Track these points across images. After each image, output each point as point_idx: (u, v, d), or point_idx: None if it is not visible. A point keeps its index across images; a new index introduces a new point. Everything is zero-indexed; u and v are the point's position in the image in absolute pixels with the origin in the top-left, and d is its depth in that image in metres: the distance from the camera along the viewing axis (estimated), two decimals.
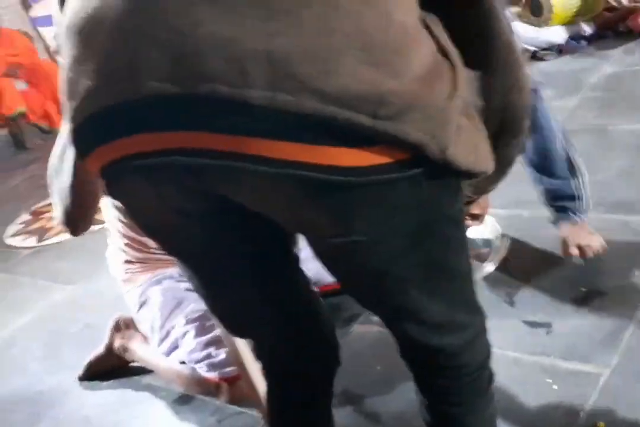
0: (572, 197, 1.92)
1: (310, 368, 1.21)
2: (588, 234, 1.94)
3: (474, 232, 1.70)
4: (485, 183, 1.02)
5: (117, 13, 0.73)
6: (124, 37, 0.73)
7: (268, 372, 1.26)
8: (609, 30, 3.99)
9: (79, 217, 1.21)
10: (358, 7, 0.72)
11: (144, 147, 0.76)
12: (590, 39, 3.96)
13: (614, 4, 4.04)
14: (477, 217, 1.25)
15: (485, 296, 1.96)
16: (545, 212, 1.99)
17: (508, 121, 0.93)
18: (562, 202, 1.94)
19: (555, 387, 1.59)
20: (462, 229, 0.99)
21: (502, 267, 2.03)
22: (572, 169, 1.91)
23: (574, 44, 3.91)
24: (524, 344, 1.74)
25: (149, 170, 0.80)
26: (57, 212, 1.21)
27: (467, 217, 1.28)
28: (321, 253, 0.94)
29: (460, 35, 0.82)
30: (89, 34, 0.76)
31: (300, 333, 1.15)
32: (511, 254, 2.12)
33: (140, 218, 0.96)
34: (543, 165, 1.91)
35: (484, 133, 0.87)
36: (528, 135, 1.01)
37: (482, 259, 1.60)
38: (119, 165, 0.80)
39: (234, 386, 1.73)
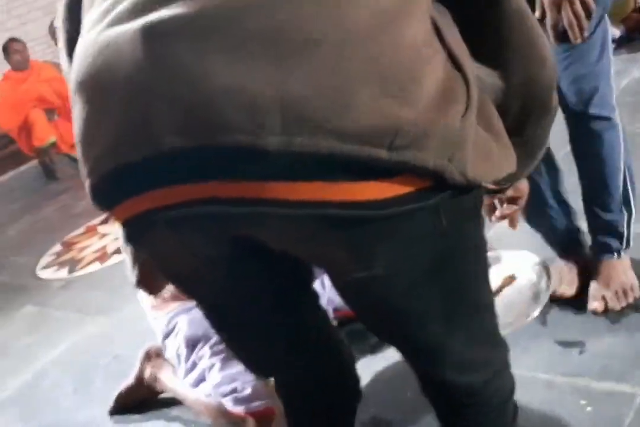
0: (619, 236, 1.80)
1: (332, 403, 1.19)
2: (623, 274, 1.81)
3: (518, 271, 1.63)
4: (516, 172, 0.95)
5: (128, 68, 0.73)
6: (136, 93, 0.73)
7: (289, 408, 1.24)
8: (638, 32, 3.91)
9: (149, 279, 1.24)
10: (369, 35, 0.71)
11: (167, 200, 0.76)
12: (619, 42, 3.88)
13: None
14: (515, 201, 1.20)
15: None
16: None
17: (531, 99, 0.89)
18: (606, 239, 1.81)
19: (589, 409, 1.53)
20: (483, 259, 0.95)
21: None
22: (627, 203, 1.79)
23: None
24: (556, 365, 1.69)
25: (173, 221, 0.80)
26: (131, 275, 1.25)
27: (504, 201, 1.22)
28: (342, 288, 0.92)
29: (469, 9, 0.81)
30: (103, 90, 0.76)
31: (322, 369, 1.13)
32: None
33: (164, 267, 0.96)
34: (597, 198, 1.79)
35: (498, 130, 0.84)
36: (555, 113, 0.97)
37: (526, 304, 1.51)
38: (143, 218, 0.80)
39: (260, 420, 1.72)
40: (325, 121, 0.69)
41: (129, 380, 1.99)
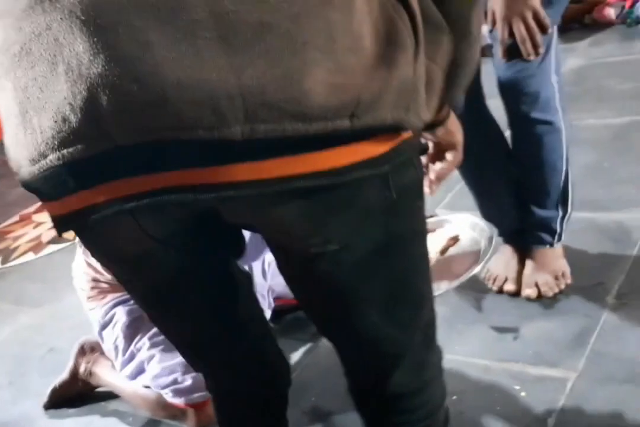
0: (552, 232, 1.84)
1: (262, 392, 1.17)
2: (554, 261, 1.86)
3: (462, 232, 1.62)
4: (448, 91, 0.93)
5: (69, 56, 0.69)
6: (81, 87, 0.68)
7: (218, 397, 1.22)
8: (575, 22, 3.97)
9: None
10: (321, 13, 0.69)
11: (126, 191, 0.74)
12: None
13: None
14: (448, 149, 1.08)
15: (452, 303, 1.93)
16: None
17: (451, 19, 0.87)
18: (539, 233, 1.85)
19: (523, 394, 1.56)
20: (426, 248, 0.94)
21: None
22: (564, 202, 1.82)
23: None
24: (491, 351, 1.72)
25: (132, 209, 0.77)
26: None
27: (437, 153, 1.09)
28: (291, 267, 0.90)
29: None
30: (41, 73, 0.71)
31: (251, 358, 1.10)
32: None
33: (111, 253, 0.91)
34: (535, 196, 1.82)
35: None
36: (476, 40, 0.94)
37: (469, 261, 1.52)
38: (93, 210, 0.77)
39: (200, 412, 1.70)
40: (288, 106, 0.68)
41: (63, 375, 1.95)
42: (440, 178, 1.08)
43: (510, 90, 1.68)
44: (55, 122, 0.71)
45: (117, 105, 0.68)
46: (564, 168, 1.77)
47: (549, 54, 1.62)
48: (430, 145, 1.07)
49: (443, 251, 1.44)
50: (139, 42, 0.66)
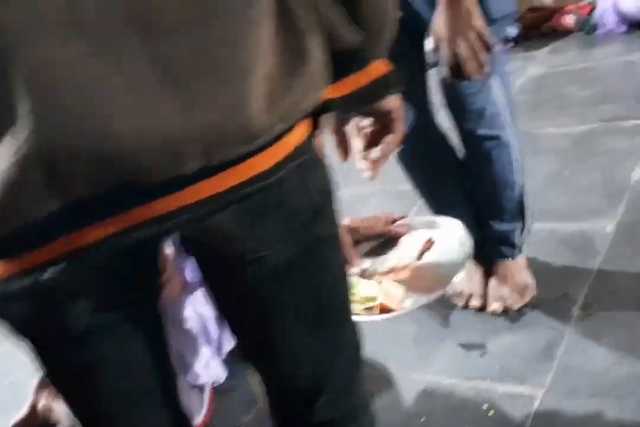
0: (512, 245, 1.82)
1: None
2: (518, 274, 1.83)
3: (438, 235, 1.56)
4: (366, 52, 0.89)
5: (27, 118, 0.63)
6: (29, 138, 0.63)
7: None
8: (534, 30, 3.99)
9: None
10: (250, 34, 0.69)
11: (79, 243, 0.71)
12: (516, 41, 3.95)
13: (537, 4, 4.05)
14: (386, 124, 1.00)
15: (420, 320, 1.91)
16: None
17: None
18: (501, 247, 1.83)
19: (491, 413, 1.53)
20: (340, 253, 0.92)
21: None
22: (521, 214, 1.80)
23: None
24: (460, 369, 1.69)
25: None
26: None
27: (375, 129, 1.02)
28: (223, 278, 0.86)
29: None
30: None
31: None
32: None
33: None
34: (490, 210, 1.80)
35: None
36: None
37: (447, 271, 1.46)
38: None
39: None
40: (238, 133, 0.70)
41: (22, 410, 1.89)
42: (381, 161, 1.02)
43: (456, 107, 1.67)
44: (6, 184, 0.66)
45: (74, 157, 0.64)
46: (517, 181, 1.75)
47: (493, 70, 1.61)
48: (367, 125, 1.02)
49: (420, 256, 1.41)
50: (85, 97, 0.63)
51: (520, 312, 1.80)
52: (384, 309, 1.29)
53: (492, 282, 1.84)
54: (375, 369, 1.78)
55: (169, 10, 0.64)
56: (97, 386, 0.84)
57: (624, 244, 1.91)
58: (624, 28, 3.61)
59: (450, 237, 1.41)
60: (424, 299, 1.28)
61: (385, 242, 1.45)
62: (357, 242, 1.47)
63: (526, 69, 3.52)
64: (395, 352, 1.82)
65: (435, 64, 1.63)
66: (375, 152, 1.01)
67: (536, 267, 1.88)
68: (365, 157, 1.02)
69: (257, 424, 1.72)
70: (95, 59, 0.62)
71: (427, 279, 1.32)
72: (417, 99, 1.71)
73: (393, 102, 0.97)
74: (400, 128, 1.00)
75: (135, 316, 0.83)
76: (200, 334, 1.82)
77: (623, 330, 1.62)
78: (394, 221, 1.48)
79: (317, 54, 0.77)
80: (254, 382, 0.97)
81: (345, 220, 1.47)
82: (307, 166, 0.80)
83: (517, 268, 1.83)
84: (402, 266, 1.35)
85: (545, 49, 3.77)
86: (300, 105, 0.75)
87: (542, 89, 3.24)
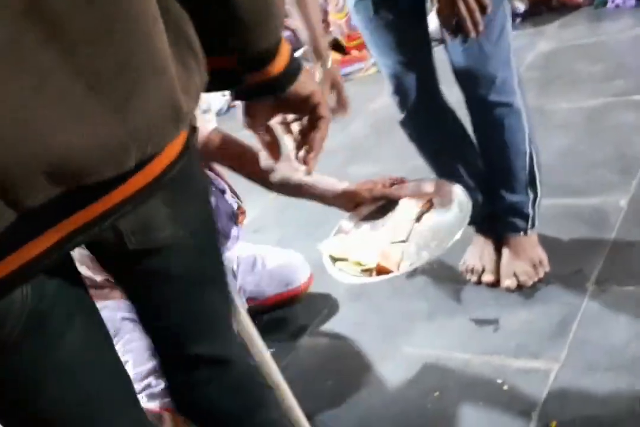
0: (525, 216, 1.81)
1: None
2: (531, 250, 1.83)
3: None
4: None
5: None
6: None
7: None
8: (543, 5, 3.95)
9: None
10: (157, 34, 0.72)
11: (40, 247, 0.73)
12: (524, 16, 3.91)
13: None
14: (306, 106, 0.97)
15: (431, 296, 1.90)
16: None
17: None
18: (511, 219, 1.82)
19: (506, 387, 1.53)
20: None
21: (446, 262, 1.99)
22: (532, 185, 1.79)
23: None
24: (473, 344, 1.69)
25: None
26: None
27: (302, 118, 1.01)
28: (138, 263, 0.91)
29: None
30: None
31: None
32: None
33: None
34: (502, 181, 1.80)
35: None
36: None
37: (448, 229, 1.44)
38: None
39: (176, 415, 1.66)
40: (169, 125, 0.75)
41: None
42: (312, 159, 1.01)
43: (466, 75, 1.66)
44: None
45: (24, 167, 0.65)
46: (528, 150, 1.74)
47: (504, 34, 1.61)
48: (293, 120, 1.01)
49: (418, 218, 1.40)
50: (18, 115, 0.64)
51: (534, 288, 1.78)
52: (382, 271, 1.28)
53: (505, 257, 1.83)
54: (388, 345, 1.77)
55: (79, 24, 0.65)
56: (41, 392, 0.84)
57: (637, 218, 1.90)
58: (633, 2, 3.57)
59: (450, 199, 1.40)
60: (422, 260, 1.28)
61: (384, 205, 1.45)
62: (357, 206, 1.47)
63: (536, 45, 3.48)
64: (408, 328, 1.81)
65: (443, 41, 1.63)
66: (305, 150, 1.00)
67: (550, 243, 1.87)
68: (297, 156, 1.01)
69: None
70: (19, 77, 0.63)
71: (425, 241, 1.31)
72: (422, 67, 1.71)
73: (307, 87, 0.94)
74: (326, 123, 0.98)
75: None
76: None
77: (638, 304, 1.61)
78: (392, 184, 1.48)
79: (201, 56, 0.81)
80: None
81: (345, 184, 1.47)
82: (193, 144, 0.86)
83: (530, 244, 1.82)
84: (401, 227, 1.35)
85: (555, 24, 3.73)
86: (200, 91, 0.81)
87: (552, 64, 3.20)
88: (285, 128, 1.02)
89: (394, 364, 1.72)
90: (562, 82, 2.97)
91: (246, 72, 0.88)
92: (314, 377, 1.79)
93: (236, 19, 0.82)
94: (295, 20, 1.57)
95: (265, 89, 0.91)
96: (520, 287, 1.80)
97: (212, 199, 1.70)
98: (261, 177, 1.56)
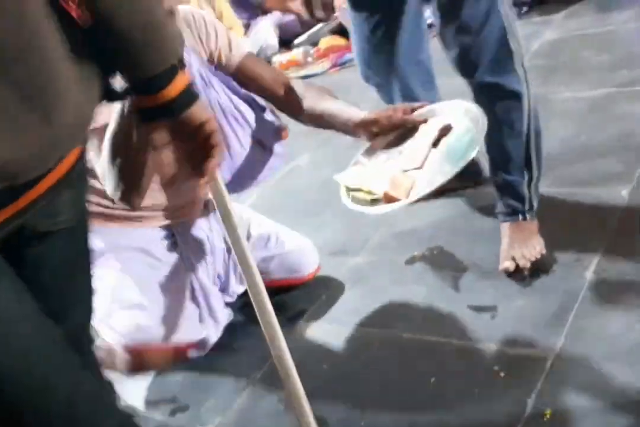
0: (521, 198, 1.82)
1: None
2: (529, 236, 1.83)
3: (454, 120, 1.46)
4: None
5: None
6: None
7: None
8: None
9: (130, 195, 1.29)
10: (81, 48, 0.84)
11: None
12: (531, 5, 3.88)
13: None
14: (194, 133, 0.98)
15: (429, 283, 1.90)
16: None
17: None
18: (509, 201, 1.83)
19: (502, 374, 1.53)
20: None
21: (447, 251, 1.99)
22: (528, 166, 1.79)
23: (514, 11, 3.82)
24: (470, 331, 1.69)
25: None
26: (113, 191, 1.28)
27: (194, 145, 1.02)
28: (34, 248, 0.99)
29: None
30: None
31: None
32: (454, 234, 2.08)
33: None
34: (498, 160, 1.81)
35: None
36: None
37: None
38: None
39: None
40: (82, 132, 0.90)
41: None
42: (212, 177, 1.10)
43: (459, 57, 1.67)
44: None
45: None
46: (525, 130, 1.74)
47: (493, 14, 1.65)
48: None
49: (435, 143, 1.38)
50: None
51: (533, 276, 1.78)
52: (390, 199, 1.27)
53: (504, 243, 1.83)
54: (385, 330, 1.78)
55: (4, 44, 0.74)
56: None
57: (639, 209, 1.89)
58: None
59: (461, 117, 1.40)
60: (432, 186, 1.27)
61: (404, 132, 1.43)
62: (376, 135, 1.45)
63: (542, 34, 3.46)
64: (405, 313, 1.82)
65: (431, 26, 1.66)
66: (203, 179, 1.01)
67: (551, 231, 1.86)
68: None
69: (269, 381, 1.74)
70: None
71: (440, 165, 1.30)
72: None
73: (202, 114, 0.97)
74: (219, 152, 0.99)
75: None
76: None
77: (637, 295, 1.60)
78: (413, 110, 1.47)
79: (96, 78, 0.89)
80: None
81: (364, 112, 1.46)
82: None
83: (530, 230, 1.82)
84: (418, 154, 1.34)
85: (562, 13, 3.70)
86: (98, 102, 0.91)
87: (558, 53, 3.18)
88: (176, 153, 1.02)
89: (390, 350, 1.72)
90: (567, 72, 2.95)
91: (139, 94, 0.93)
92: (310, 360, 1.79)
93: (121, 49, 0.87)
94: None
95: (157, 113, 0.94)
96: (520, 271, 1.79)
97: (254, 115, 1.68)
98: (291, 106, 1.58)
